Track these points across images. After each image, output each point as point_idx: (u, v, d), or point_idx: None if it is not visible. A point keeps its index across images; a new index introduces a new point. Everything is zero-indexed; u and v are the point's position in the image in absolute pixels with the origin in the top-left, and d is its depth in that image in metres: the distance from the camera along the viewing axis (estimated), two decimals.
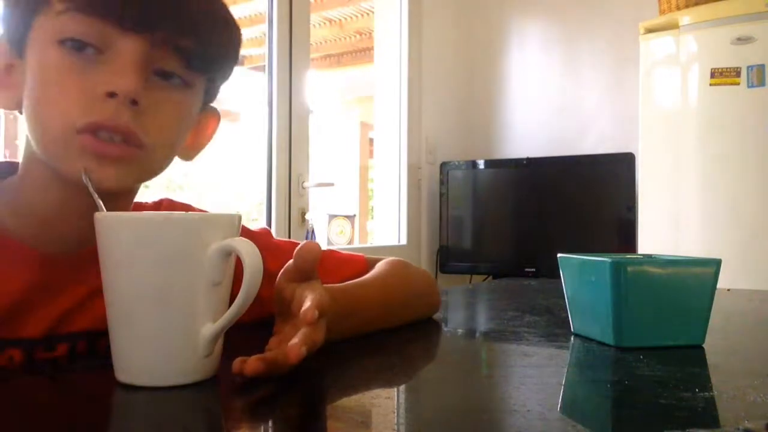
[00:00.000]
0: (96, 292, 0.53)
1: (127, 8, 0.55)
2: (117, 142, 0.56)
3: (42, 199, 0.61)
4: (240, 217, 0.52)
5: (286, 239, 0.85)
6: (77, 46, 0.56)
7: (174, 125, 0.61)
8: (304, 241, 0.60)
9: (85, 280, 0.61)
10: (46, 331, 0.61)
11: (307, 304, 0.53)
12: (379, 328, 0.71)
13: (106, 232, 0.48)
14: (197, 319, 0.48)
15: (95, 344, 0.63)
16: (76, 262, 0.62)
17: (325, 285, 0.60)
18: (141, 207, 0.70)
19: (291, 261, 0.59)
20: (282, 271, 0.60)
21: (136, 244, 0.47)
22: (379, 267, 0.79)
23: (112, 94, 0.55)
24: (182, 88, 0.61)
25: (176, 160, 0.66)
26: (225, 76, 0.67)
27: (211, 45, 0.61)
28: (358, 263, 0.81)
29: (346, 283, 0.69)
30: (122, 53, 0.56)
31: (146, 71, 0.57)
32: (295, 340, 0.49)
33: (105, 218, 0.49)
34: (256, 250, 0.48)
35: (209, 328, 0.48)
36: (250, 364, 0.48)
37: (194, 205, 0.75)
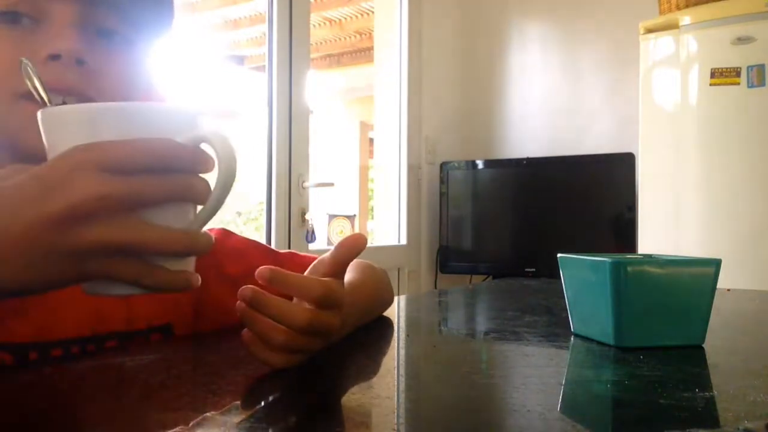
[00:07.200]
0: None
1: None
2: (72, 104, 0.53)
3: None
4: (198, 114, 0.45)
5: (246, 238, 0.79)
6: (10, 18, 0.55)
7: (126, 84, 0.60)
8: (349, 235, 0.54)
9: None
10: (37, 335, 0.57)
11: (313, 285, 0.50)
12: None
13: (56, 128, 0.42)
14: (171, 212, 0.42)
15: (86, 349, 0.60)
16: None
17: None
18: None
19: (327, 254, 0.54)
20: (312, 265, 0.54)
21: (92, 139, 0.40)
22: (357, 270, 0.73)
23: (55, 56, 0.54)
24: (126, 45, 0.60)
25: None
26: (157, 30, 0.65)
27: None
28: None
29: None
30: (58, 17, 0.55)
31: (87, 32, 0.56)
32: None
33: (54, 113, 0.42)
34: (230, 140, 0.43)
35: (187, 223, 0.43)
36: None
37: None
